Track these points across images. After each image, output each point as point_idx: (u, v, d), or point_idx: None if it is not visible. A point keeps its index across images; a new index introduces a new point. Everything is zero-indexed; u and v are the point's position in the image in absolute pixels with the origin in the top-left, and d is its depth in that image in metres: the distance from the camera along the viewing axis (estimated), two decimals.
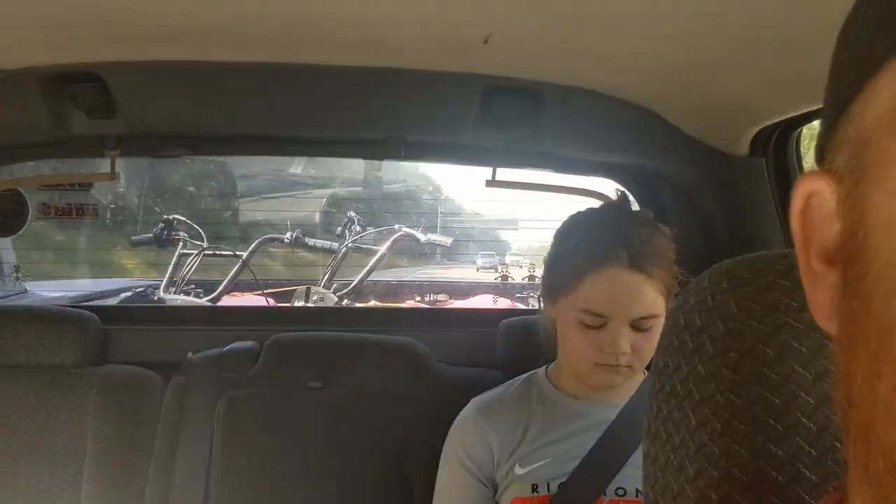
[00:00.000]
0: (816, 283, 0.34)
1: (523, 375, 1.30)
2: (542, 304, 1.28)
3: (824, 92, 0.36)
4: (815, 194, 0.34)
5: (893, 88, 0.29)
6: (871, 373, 0.28)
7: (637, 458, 1.10)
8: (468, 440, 1.24)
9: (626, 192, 1.37)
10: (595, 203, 1.44)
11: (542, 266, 1.28)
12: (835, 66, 0.34)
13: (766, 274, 0.47)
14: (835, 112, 0.33)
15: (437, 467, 1.28)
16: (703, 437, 0.47)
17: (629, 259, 1.09)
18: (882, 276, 0.28)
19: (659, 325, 1.11)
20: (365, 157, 1.77)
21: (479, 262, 7.38)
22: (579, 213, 1.22)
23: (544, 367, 1.29)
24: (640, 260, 1.09)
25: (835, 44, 0.35)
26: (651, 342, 1.12)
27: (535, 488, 1.16)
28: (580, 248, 1.15)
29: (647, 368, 1.25)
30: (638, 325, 1.11)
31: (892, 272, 0.28)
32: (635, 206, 1.46)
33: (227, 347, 1.58)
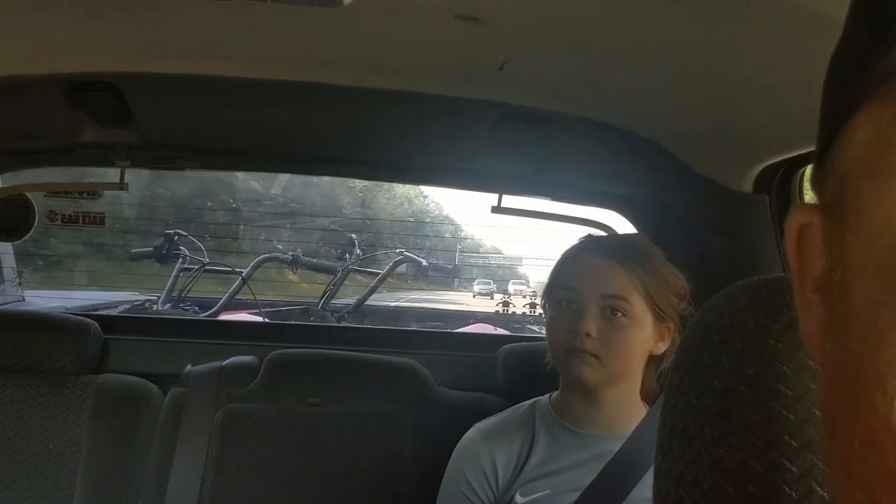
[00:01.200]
0: (810, 313, 0.34)
1: (527, 402, 1.30)
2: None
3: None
4: (807, 227, 0.34)
5: (867, 131, 0.30)
6: (849, 411, 0.29)
7: (639, 493, 1.11)
8: (471, 465, 1.24)
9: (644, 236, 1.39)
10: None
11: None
12: (823, 102, 0.35)
13: (783, 293, 0.48)
14: (822, 148, 0.34)
15: (433, 489, 1.28)
16: (718, 453, 0.47)
17: (606, 249, 1.21)
18: (857, 317, 0.28)
19: (629, 326, 1.16)
20: (375, 179, 1.79)
21: (476, 287, 7.42)
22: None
23: (548, 395, 1.29)
24: (616, 252, 1.19)
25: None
26: (621, 339, 1.17)
27: None
28: (570, 251, 1.26)
29: (649, 403, 1.25)
30: (607, 305, 1.16)
31: (867, 314, 0.28)
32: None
33: (227, 361, 1.58)
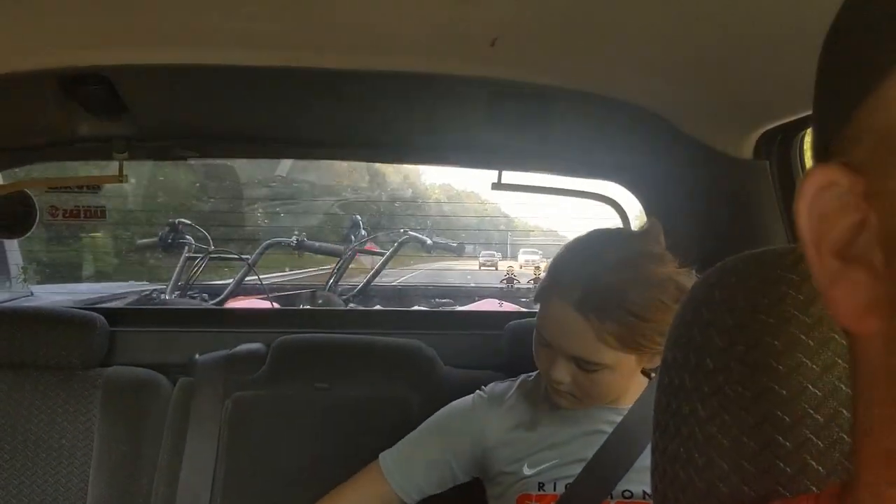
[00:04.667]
0: (836, 280, 0.32)
1: (534, 373, 1.31)
2: None
3: (821, 86, 0.35)
4: (828, 187, 0.32)
5: None
6: None
7: (643, 463, 1.11)
8: (468, 425, 1.27)
9: (658, 224, 1.30)
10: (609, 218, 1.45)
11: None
12: (849, 56, 0.33)
13: (773, 268, 0.48)
14: (850, 103, 0.32)
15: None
16: (711, 429, 0.47)
17: (578, 300, 1.07)
18: None
19: (607, 374, 1.11)
20: (371, 161, 1.78)
21: (481, 259, 7.54)
22: (593, 232, 1.20)
23: None
24: (588, 305, 1.06)
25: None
26: (596, 385, 1.12)
27: (541, 486, 1.17)
28: (558, 267, 1.15)
29: (655, 371, 1.26)
30: (581, 365, 1.11)
31: None
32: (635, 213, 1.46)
33: (235, 349, 1.59)
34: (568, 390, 1.15)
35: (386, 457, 1.29)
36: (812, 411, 0.44)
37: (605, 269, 1.08)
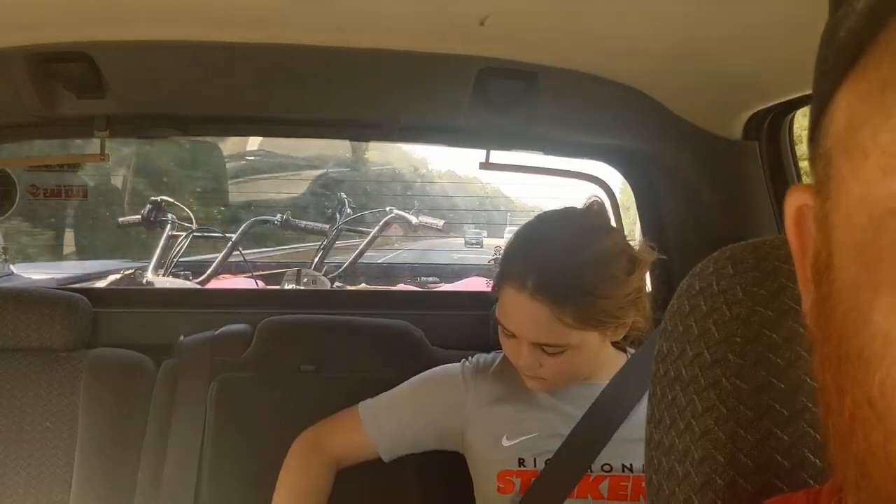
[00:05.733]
0: (808, 294, 0.34)
1: None
2: None
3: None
4: (803, 207, 0.35)
5: (844, 109, 0.30)
6: (837, 387, 0.29)
7: (621, 435, 1.13)
8: (450, 391, 1.28)
9: (602, 202, 1.29)
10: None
11: None
12: (814, 82, 0.34)
13: (771, 259, 0.47)
14: (812, 127, 0.34)
15: (430, 451, 1.31)
16: (708, 422, 0.47)
17: (532, 287, 1.08)
18: (840, 297, 0.29)
19: (573, 353, 1.12)
20: (357, 139, 1.76)
21: (467, 237, 7.54)
22: (540, 216, 1.21)
23: None
24: (543, 291, 1.07)
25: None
26: (564, 365, 1.13)
27: (521, 462, 1.18)
28: (509, 256, 1.15)
29: (634, 346, 1.26)
30: (546, 349, 1.12)
31: (848, 294, 0.28)
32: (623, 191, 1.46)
33: (220, 330, 1.58)
34: (539, 374, 1.15)
35: (366, 405, 1.30)
36: (810, 405, 0.44)
37: (554, 253, 1.10)
